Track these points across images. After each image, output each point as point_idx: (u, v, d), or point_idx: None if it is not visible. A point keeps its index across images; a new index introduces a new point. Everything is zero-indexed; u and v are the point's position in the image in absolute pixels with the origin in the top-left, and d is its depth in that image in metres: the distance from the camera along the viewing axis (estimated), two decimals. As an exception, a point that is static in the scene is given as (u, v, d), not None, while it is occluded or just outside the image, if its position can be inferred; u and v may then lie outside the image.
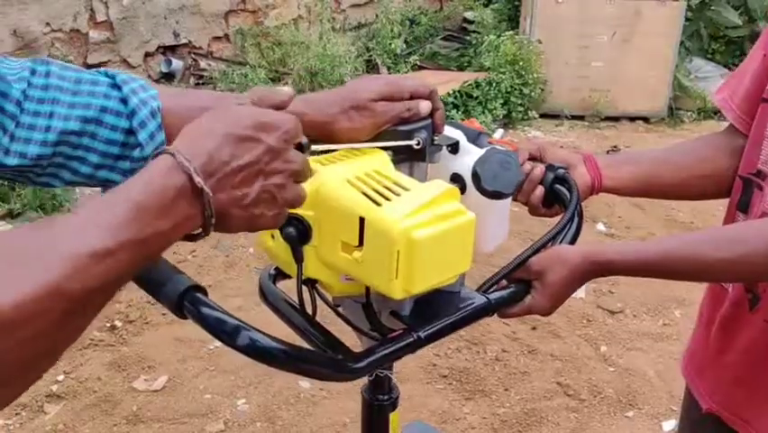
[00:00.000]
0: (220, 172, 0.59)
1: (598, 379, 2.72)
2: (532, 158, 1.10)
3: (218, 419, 2.46)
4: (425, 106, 0.86)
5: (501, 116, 5.22)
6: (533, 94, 5.31)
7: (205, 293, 0.78)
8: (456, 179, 0.96)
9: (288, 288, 0.92)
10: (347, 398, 2.53)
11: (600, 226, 3.81)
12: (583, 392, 2.65)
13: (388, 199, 0.72)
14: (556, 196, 1.06)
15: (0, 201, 3.65)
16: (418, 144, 0.85)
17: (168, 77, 5.04)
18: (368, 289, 0.81)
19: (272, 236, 0.80)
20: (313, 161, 0.79)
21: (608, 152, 4.87)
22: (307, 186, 0.70)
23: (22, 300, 0.47)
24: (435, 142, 0.90)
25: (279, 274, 0.95)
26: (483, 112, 5.11)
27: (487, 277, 0.95)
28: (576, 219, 1.00)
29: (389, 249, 0.70)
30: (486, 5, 6.38)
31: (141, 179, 0.56)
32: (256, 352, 0.74)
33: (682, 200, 1.24)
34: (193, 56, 5.21)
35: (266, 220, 0.65)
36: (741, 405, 1.15)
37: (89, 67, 4.58)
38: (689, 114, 5.69)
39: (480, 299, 0.89)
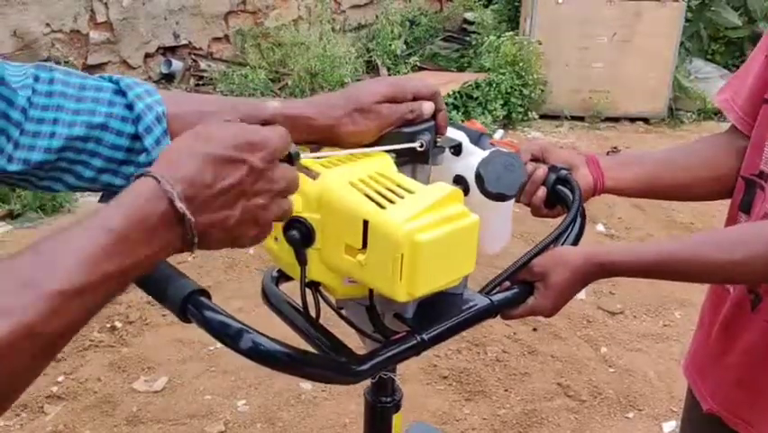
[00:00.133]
0: (202, 195, 0.58)
1: (599, 380, 2.72)
2: (534, 159, 1.09)
3: (218, 420, 2.46)
4: (428, 108, 0.86)
5: (501, 117, 5.22)
6: (533, 95, 5.31)
7: (209, 297, 0.78)
8: (459, 180, 0.96)
9: (290, 290, 0.92)
10: (348, 399, 2.53)
11: (600, 227, 3.81)
12: (583, 393, 2.65)
13: (391, 202, 0.72)
14: (558, 197, 1.05)
15: (0, 202, 3.65)
16: (421, 146, 0.85)
17: (168, 77, 5.04)
18: (371, 291, 0.81)
19: (276, 239, 0.79)
20: (316, 163, 0.79)
21: (608, 152, 4.87)
22: (311, 188, 0.70)
23: None
24: (438, 144, 0.90)
25: (282, 276, 0.95)
26: (483, 113, 5.12)
27: (489, 278, 0.95)
28: (578, 220, 1.00)
29: (393, 252, 0.70)
30: (486, 6, 6.39)
31: (122, 207, 0.55)
32: (260, 355, 0.74)
33: (684, 201, 1.24)
34: (193, 57, 5.22)
35: (246, 240, 0.64)
36: (742, 406, 1.15)
37: (89, 68, 4.59)
38: (688, 114, 5.69)
39: (483, 301, 0.89)
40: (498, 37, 5.44)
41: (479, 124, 1.04)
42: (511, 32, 5.49)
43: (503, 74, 5.21)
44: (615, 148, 5.03)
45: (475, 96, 5.15)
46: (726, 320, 1.15)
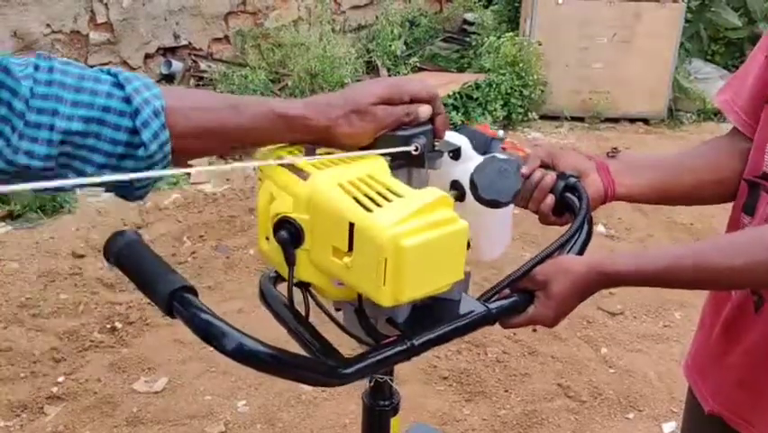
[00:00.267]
0: None
1: (599, 380, 2.72)
2: (543, 165, 1.07)
3: (218, 421, 2.46)
4: (424, 111, 0.85)
5: (501, 118, 5.22)
6: (533, 95, 5.31)
7: (196, 294, 0.77)
8: (456, 186, 0.95)
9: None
10: (348, 400, 2.53)
11: (601, 228, 3.81)
12: (584, 394, 2.65)
13: (379, 205, 0.72)
14: (566, 205, 1.03)
15: (0, 202, 3.65)
16: (416, 150, 0.83)
17: (168, 78, 5.04)
18: (360, 294, 0.80)
19: (267, 239, 0.79)
20: (308, 164, 0.78)
21: (607, 153, 4.87)
22: (301, 189, 0.70)
23: None
24: (436, 148, 0.88)
25: (280, 277, 0.95)
26: (483, 113, 5.11)
27: (491, 279, 0.95)
28: (585, 229, 0.98)
29: (377, 256, 0.69)
30: (486, 7, 6.38)
31: None
32: (243, 356, 0.72)
33: (694, 206, 1.23)
34: (193, 57, 5.22)
35: None
36: (744, 407, 1.14)
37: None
38: (688, 115, 5.68)
39: (479, 309, 0.87)
40: (498, 38, 5.44)
41: (490, 128, 1.04)
42: (511, 33, 5.49)
43: (503, 75, 5.21)
44: (615, 149, 5.03)
45: (475, 96, 5.15)
46: (728, 321, 1.15)
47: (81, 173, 0.76)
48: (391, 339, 0.81)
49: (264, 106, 0.81)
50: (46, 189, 0.75)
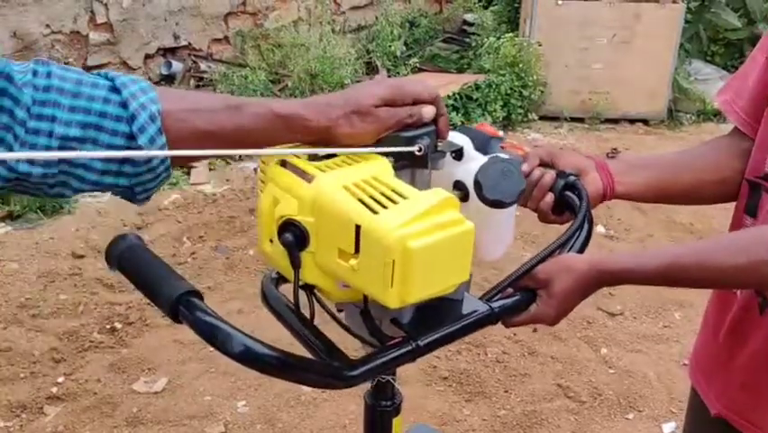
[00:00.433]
0: None
1: (599, 381, 2.72)
2: (543, 164, 1.07)
3: (218, 421, 2.46)
4: (428, 112, 0.85)
5: (501, 119, 5.22)
6: (532, 96, 5.31)
7: (201, 298, 0.77)
8: (459, 186, 0.95)
9: (289, 292, 0.92)
10: (348, 400, 2.54)
11: (600, 228, 3.81)
12: (583, 394, 2.65)
13: (385, 207, 0.71)
14: (566, 203, 1.04)
15: (0, 203, 3.65)
16: (420, 151, 0.83)
17: (168, 79, 5.04)
18: (365, 296, 0.80)
19: (270, 241, 0.79)
20: (312, 166, 0.78)
21: (607, 154, 4.87)
22: (306, 192, 0.70)
23: None
24: (439, 149, 0.88)
25: (282, 278, 0.94)
26: (483, 114, 5.11)
27: (490, 279, 0.95)
28: (585, 227, 0.98)
29: (384, 258, 0.69)
30: (486, 8, 6.38)
31: None
32: (249, 359, 0.72)
33: (691, 206, 1.22)
34: (193, 58, 5.21)
35: None
36: (751, 409, 1.14)
37: (89, 69, 4.58)
38: (688, 116, 5.69)
39: (482, 308, 0.88)
40: (498, 38, 5.44)
41: (490, 127, 1.04)
42: (511, 34, 5.49)
43: (503, 75, 5.21)
44: (614, 150, 5.03)
45: (475, 97, 5.15)
46: (733, 323, 1.14)
47: (82, 179, 0.76)
48: (396, 340, 0.81)
49: (263, 107, 0.80)
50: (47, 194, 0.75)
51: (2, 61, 0.70)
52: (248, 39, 5.40)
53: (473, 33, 6.09)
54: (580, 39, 5.38)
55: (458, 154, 0.94)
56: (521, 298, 0.93)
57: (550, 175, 1.05)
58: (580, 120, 5.55)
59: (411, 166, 0.86)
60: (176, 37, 5.10)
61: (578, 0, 5.34)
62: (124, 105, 0.75)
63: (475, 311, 0.87)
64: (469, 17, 6.51)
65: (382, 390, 0.99)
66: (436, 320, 0.83)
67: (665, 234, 3.88)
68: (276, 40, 5.38)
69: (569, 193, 1.03)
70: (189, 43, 5.21)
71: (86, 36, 4.62)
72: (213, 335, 0.73)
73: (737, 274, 0.95)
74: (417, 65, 5.83)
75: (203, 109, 0.79)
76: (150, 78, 4.97)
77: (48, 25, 4.40)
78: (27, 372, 2.64)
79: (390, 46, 5.86)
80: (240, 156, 3.29)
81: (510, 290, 0.94)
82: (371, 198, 0.73)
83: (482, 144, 0.99)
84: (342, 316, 0.90)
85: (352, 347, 0.85)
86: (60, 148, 0.73)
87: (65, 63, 4.32)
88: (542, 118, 5.51)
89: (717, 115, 5.55)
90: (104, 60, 4.73)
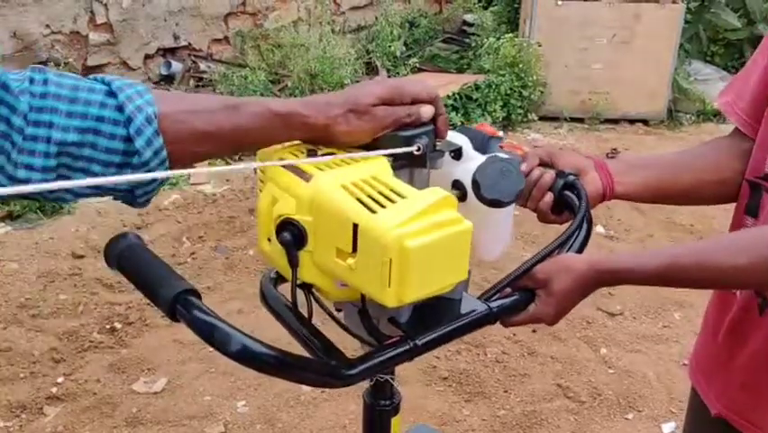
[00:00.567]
0: None
1: (598, 381, 2.72)
2: (542, 164, 1.07)
3: (218, 421, 2.46)
4: (426, 111, 0.85)
5: (501, 119, 5.23)
6: (532, 96, 5.31)
7: (199, 297, 0.77)
8: (458, 185, 0.95)
9: (288, 291, 0.92)
10: (347, 400, 2.54)
11: (600, 229, 3.81)
12: (583, 394, 2.65)
13: (382, 206, 0.71)
14: (565, 203, 1.03)
15: (0, 203, 3.65)
16: (418, 150, 0.83)
17: (167, 79, 5.05)
18: (363, 295, 0.80)
19: (269, 240, 0.79)
20: (310, 165, 0.78)
21: (607, 154, 4.88)
22: (304, 191, 0.70)
23: None
24: (437, 148, 0.88)
25: (281, 278, 0.94)
26: (483, 114, 5.12)
27: (490, 279, 0.95)
28: (584, 227, 0.98)
29: (382, 257, 0.69)
30: (485, 8, 6.39)
31: None
32: (246, 358, 0.72)
33: (691, 206, 1.22)
34: (193, 58, 5.22)
35: None
36: (751, 409, 1.14)
37: (89, 69, 4.59)
38: (688, 116, 5.69)
39: (481, 307, 0.88)
40: (498, 39, 5.44)
41: (489, 127, 1.04)
42: (511, 34, 5.49)
43: (502, 75, 5.22)
44: (614, 150, 5.04)
45: (474, 97, 5.15)
46: (733, 324, 1.14)
47: None
48: (394, 339, 0.81)
49: (261, 106, 0.80)
50: (47, 198, 0.75)
51: None
52: (248, 39, 5.40)
53: (473, 34, 6.09)
54: (579, 39, 5.38)
55: (457, 154, 0.94)
56: (520, 297, 0.93)
57: (549, 175, 1.05)
58: (580, 120, 5.55)
59: (410, 165, 0.86)
60: (176, 37, 5.11)
61: (578, 0, 5.34)
62: (121, 108, 0.75)
63: (473, 311, 0.87)
64: (468, 17, 6.52)
65: (381, 389, 0.99)
66: (434, 320, 0.83)
67: (665, 234, 3.88)
68: (276, 40, 5.38)
69: (568, 193, 1.03)
70: (189, 43, 5.21)
71: (86, 36, 4.62)
72: (210, 334, 0.73)
73: (737, 274, 0.95)
74: (417, 65, 5.83)
75: (201, 110, 0.79)
76: (149, 79, 4.97)
77: (48, 25, 4.40)
78: (27, 372, 2.64)
79: (390, 46, 5.87)
80: (239, 156, 3.29)
81: (509, 289, 0.94)
82: (369, 197, 0.73)
83: (481, 144, 0.99)
84: (340, 315, 0.90)
85: (350, 347, 0.85)
86: (59, 154, 0.73)
87: (65, 63, 4.33)
88: (542, 118, 5.51)
89: (716, 116, 5.55)
90: (103, 61, 4.73)
